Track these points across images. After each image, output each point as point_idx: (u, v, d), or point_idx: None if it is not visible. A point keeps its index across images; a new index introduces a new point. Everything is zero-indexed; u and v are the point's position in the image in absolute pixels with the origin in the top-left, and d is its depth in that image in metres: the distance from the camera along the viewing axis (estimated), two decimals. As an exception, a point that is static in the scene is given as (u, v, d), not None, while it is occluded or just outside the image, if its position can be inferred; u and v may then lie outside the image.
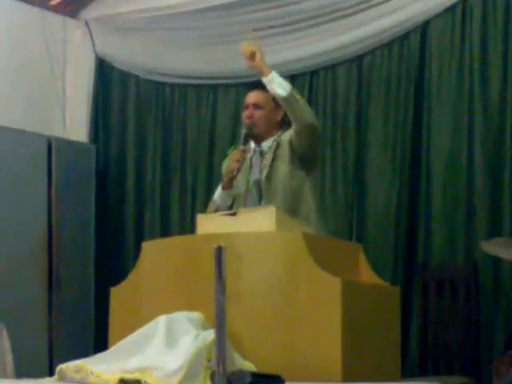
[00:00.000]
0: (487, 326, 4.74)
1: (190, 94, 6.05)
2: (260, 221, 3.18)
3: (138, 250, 3.48)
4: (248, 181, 4.10)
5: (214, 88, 5.95)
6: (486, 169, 4.85)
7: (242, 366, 2.80)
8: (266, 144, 4.13)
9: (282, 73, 5.55)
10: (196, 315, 2.95)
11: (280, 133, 4.15)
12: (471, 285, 4.75)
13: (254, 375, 2.67)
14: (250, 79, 5.73)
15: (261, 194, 4.06)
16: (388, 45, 5.25)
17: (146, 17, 6.01)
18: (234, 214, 3.29)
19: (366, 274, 3.38)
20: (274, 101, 4.08)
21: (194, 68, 5.95)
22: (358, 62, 5.36)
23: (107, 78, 6.34)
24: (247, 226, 3.19)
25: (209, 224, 3.33)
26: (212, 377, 2.63)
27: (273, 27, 5.52)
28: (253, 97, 4.18)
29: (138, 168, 6.19)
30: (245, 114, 4.18)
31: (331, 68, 5.46)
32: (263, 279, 3.04)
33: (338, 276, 2.95)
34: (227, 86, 5.88)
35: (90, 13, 6.31)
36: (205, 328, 2.87)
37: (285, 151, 4.04)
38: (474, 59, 4.95)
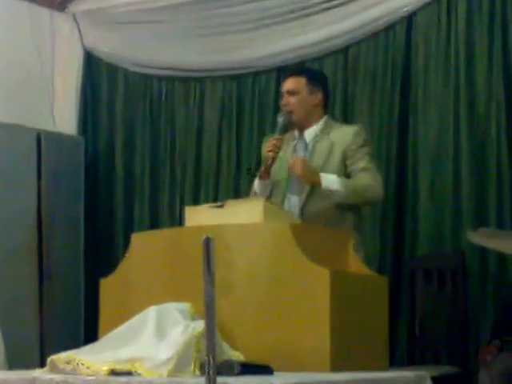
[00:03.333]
0: (474, 316, 4.77)
1: (178, 87, 6.05)
2: (248, 212, 3.20)
3: (127, 242, 3.50)
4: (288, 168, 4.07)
5: (201, 80, 5.96)
6: (472, 159, 4.88)
7: (231, 356, 2.82)
8: (309, 133, 4.12)
9: (269, 64, 5.62)
10: (185, 306, 2.96)
11: (325, 119, 4.16)
12: (458, 274, 4.77)
13: (244, 365, 2.70)
14: (237, 72, 5.79)
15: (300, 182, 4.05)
16: (374, 36, 5.27)
17: (134, 10, 6.00)
18: (221, 206, 3.31)
19: (354, 264, 3.40)
20: (309, 85, 4.09)
21: (182, 60, 5.95)
22: (344, 54, 5.38)
23: (95, 71, 6.34)
24: (235, 218, 3.20)
25: (197, 216, 3.35)
26: (201, 367, 2.65)
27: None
28: (286, 84, 4.16)
29: (126, 160, 6.19)
30: (281, 102, 4.17)
31: (318, 59, 5.47)
32: (251, 270, 3.06)
33: (326, 266, 2.97)
34: (214, 78, 5.89)
35: (77, 6, 6.30)
36: (194, 319, 2.89)
37: (335, 160, 4.05)
38: (460, 50, 4.97)
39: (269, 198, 4.07)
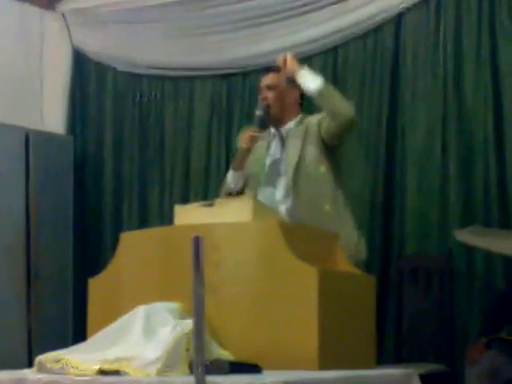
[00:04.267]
0: (461, 314, 4.80)
1: (168, 86, 6.06)
2: (237, 211, 3.20)
3: (116, 241, 3.49)
4: (264, 162, 4.10)
5: (190, 80, 5.97)
6: (460, 159, 4.91)
7: (219, 355, 2.82)
8: (287, 128, 4.13)
9: (258, 64, 5.63)
10: (174, 305, 2.96)
11: (301, 115, 4.15)
12: (445, 273, 4.81)
13: (232, 364, 2.70)
14: (226, 71, 5.80)
15: (280, 173, 4.07)
16: (363, 37, 5.29)
17: (123, 9, 6.01)
18: (211, 205, 3.32)
19: (342, 263, 3.41)
20: (289, 81, 4.09)
21: (171, 60, 5.97)
22: (333, 54, 5.40)
23: (84, 70, 6.34)
24: (225, 217, 3.21)
25: (186, 215, 3.35)
26: (190, 366, 2.66)
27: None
28: (265, 79, 4.19)
29: (115, 159, 6.20)
30: (260, 97, 4.19)
31: (306, 60, 5.47)
32: (240, 269, 3.06)
33: (315, 265, 2.97)
34: (204, 77, 5.90)
35: (66, 5, 6.30)
36: (183, 318, 2.89)
37: (313, 136, 4.04)
38: (448, 51, 5.01)
39: (242, 190, 4.10)
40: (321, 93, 3.94)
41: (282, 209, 4.01)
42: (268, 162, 4.12)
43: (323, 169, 4.05)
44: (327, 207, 4.01)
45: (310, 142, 4.05)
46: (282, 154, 4.11)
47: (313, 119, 4.09)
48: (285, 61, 4.02)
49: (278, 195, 4.05)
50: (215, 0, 5.71)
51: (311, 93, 3.97)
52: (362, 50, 5.30)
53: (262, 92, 4.18)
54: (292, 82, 4.14)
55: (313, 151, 4.03)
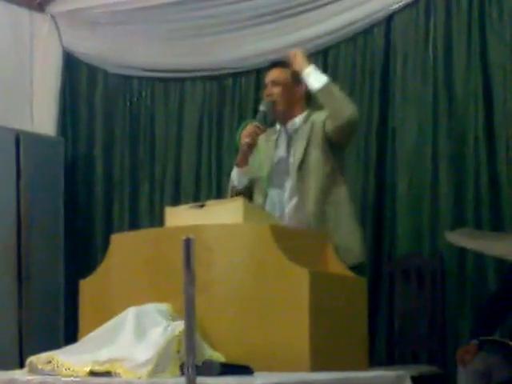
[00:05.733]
0: (453, 316, 4.80)
1: (158, 88, 6.06)
2: (228, 213, 3.20)
3: (107, 242, 3.49)
4: (272, 162, 4.03)
5: (181, 81, 5.97)
6: (451, 160, 4.91)
7: (211, 356, 2.82)
8: (293, 124, 4.07)
9: (249, 66, 5.64)
10: (165, 306, 2.96)
11: (307, 111, 4.09)
12: (437, 275, 4.81)
13: (223, 366, 2.70)
14: (216, 72, 5.80)
15: (287, 173, 4.01)
16: (353, 38, 5.29)
17: (113, 11, 6.01)
18: (203, 206, 3.31)
19: (334, 265, 3.41)
20: (294, 76, 4.05)
21: (162, 61, 5.96)
22: (324, 56, 5.40)
23: (75, 72, 6.33)
24: (215, 218, 3.21)
25: (177, 216, 3.35)
26: (181, 368, 2.66)
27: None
28: (270, 74, 4.12)
29: (106, 161, 6.19)
30: (264, 92, 4.12)
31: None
32: (231, 271, 3.06)
33: (306, 267, 2.97)
34: (194, 79, 5.90)
35: (56, 7, 6.29)
36: (174, 319, 2.89)
37: (318, 135, 3.97)
38: (438, 52, 5.01)
39: (248, 189, 4.05)
40: (323, 92, 3.90)
41: (288, 209, 3.98)
42: (275, 160, 4.05)
43: (328, 169, 3.97)
44: (329, 209, 3.95)
45: (314, 142, 3.98)
46: (288, 153, 4.05)
47: (319, 117, 4.02)
48: (294, 55, 4.01)
49: (285, 196, 4.00)
50: (206, 2, 5.70)
51: (314, 91, 3.94)
52: (353, 51, 5.30)
53: (267, 88, 4.11)
54: (298, 77, 4.10)
55: (317, 151, 3.96)
